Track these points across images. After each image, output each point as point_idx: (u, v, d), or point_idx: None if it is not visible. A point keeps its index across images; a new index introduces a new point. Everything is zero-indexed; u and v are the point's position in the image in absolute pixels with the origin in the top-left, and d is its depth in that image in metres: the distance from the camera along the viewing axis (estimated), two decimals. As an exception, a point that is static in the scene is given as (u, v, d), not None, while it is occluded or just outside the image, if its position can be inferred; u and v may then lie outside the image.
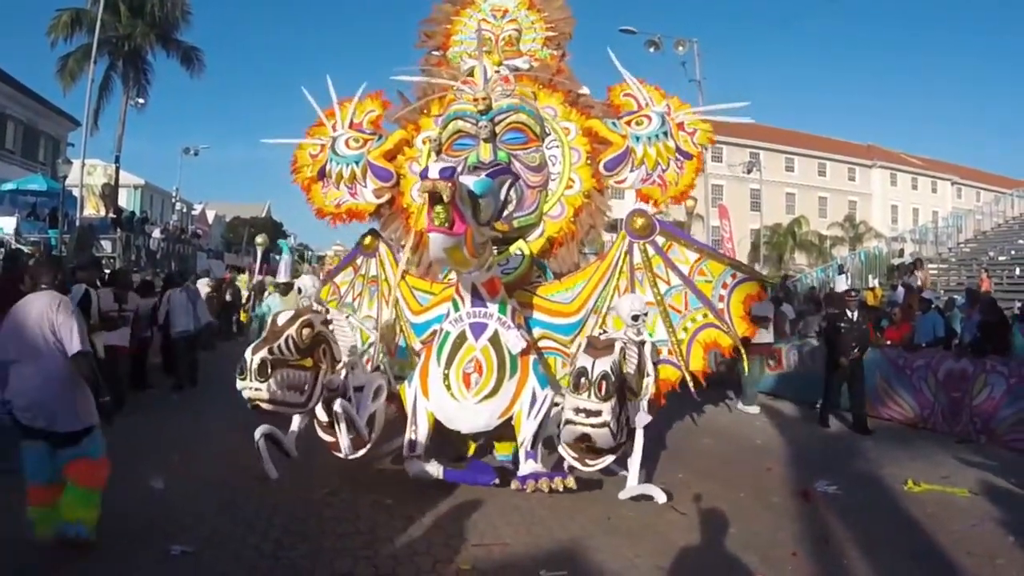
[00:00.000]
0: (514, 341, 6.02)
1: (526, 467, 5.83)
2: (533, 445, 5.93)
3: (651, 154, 7.10)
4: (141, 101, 30.55)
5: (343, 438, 5.59)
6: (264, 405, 5.15)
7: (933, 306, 12.41)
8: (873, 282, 20.99)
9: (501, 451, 6.58)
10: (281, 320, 5.45)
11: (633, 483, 5.88)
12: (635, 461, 5.93)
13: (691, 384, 6.62)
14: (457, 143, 6.91)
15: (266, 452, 5.82)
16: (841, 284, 10.73)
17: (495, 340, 6.00)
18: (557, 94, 7.41)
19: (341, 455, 5.81)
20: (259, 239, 15.70)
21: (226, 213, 54.43)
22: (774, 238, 44.66)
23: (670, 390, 6.69)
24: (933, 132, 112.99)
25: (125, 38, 29.52)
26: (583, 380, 5.15)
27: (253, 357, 5.06)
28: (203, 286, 15.11)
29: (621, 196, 9.03)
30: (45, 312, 4.48)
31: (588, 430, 5.18)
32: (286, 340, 5.23)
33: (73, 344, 4.46)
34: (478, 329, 6.04)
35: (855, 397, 9.71)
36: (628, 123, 7.29)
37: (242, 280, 20.21)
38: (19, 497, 4.63)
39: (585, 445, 5.43)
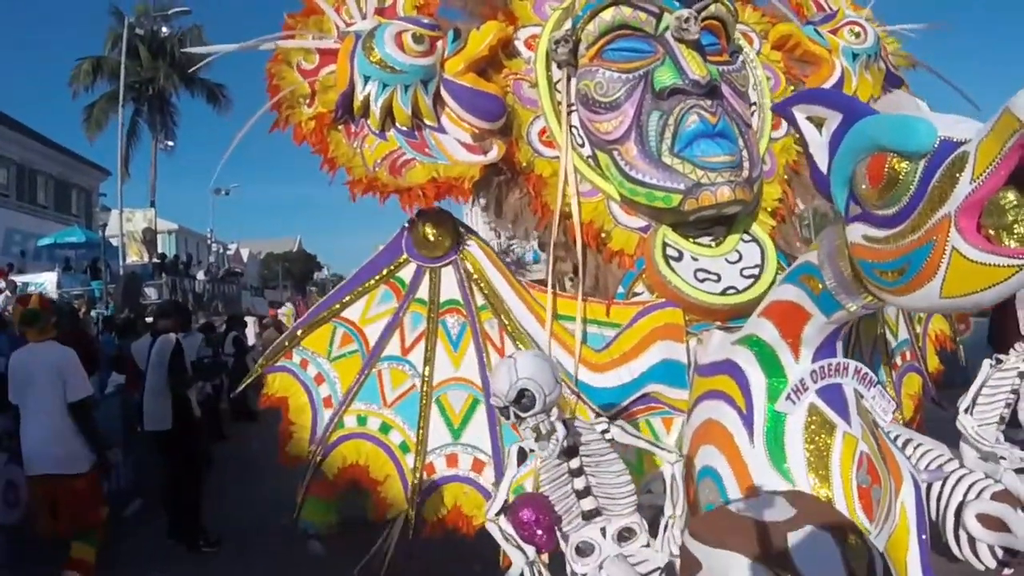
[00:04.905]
0: (882, 402, 3.17)
1: None
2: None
3: (868, 80, 4.54)
4: (170, 144, 30.22)
5: None
6: None
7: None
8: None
9: None
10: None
11: None
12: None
13: (933, 391, 4.55)
14: (612, 48, 3.68)
15: None
16: None
17: (863, 412, 3.07)
18: None
19: None
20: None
21: (260, 250, 54.26)
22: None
23: (917, 406, 4.49)
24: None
25: (148, 81, 29.26)
26: None
27: None
28: (251, 324, 14.63)
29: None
30: None
31: None
32: None
33: None
34: (835, 398, 2.98)
35: None
36: (834, 32, 4.54)
37: (287, 313, 18.96)
38: None
39: None
